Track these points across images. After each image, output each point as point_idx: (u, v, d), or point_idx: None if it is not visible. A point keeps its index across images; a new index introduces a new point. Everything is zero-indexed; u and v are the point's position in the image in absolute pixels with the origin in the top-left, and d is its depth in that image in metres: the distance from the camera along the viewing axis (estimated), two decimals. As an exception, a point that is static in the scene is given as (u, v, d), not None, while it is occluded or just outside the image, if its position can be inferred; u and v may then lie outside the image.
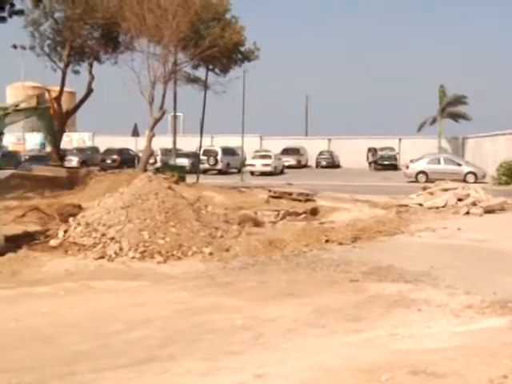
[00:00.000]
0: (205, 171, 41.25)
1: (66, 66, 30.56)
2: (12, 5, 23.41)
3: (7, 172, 29.03)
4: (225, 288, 9.70)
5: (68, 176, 24.87)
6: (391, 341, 7.04)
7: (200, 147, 34.67)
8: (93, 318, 7.89)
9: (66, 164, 43.22)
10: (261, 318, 7.93)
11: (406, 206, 21.24)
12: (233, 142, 48.31)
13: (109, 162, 46.04)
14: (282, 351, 6.70)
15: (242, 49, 31.11)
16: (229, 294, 9.23)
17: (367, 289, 9.70)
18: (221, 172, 45.56)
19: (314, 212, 18.64)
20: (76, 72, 31.98)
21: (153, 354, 6.51)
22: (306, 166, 58.86)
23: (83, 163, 48.22)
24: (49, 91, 35.46)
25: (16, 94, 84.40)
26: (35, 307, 8.26)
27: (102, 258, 11.56)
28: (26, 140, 60.22)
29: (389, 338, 7.17)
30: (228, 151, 48.06)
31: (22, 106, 13.30)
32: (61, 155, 15.42)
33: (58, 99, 31.09)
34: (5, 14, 23.42)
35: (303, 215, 17.89)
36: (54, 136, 14.83)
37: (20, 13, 24.51)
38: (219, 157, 46.65)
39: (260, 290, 9.59)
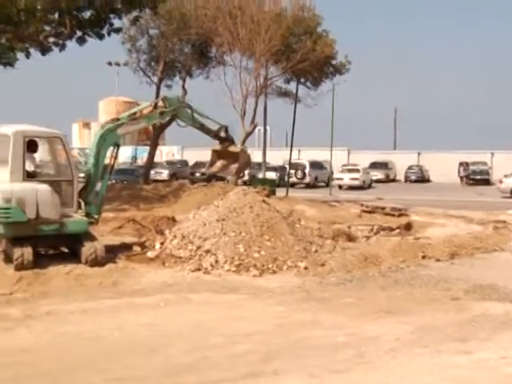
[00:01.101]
0: (292, 185, 41.24)
1: (160, 80, 31.39)
2: (111, 24, 24.18)
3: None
4: (322, 303, 9.56)
5: None
6: (503, 364, 6.72)
7: (289, 161, 34.67)
8: (193, 330, 7.93)
9: (156, 177, 44.36)
10: (362, 335, 7.76)
11: (504, 222, 20.45)
12: (320, 155, 48.11)
13: (198, 174, 46.70)
14: (386, 371, 6.52)
15: (334, 62, 31.03)
16: (327, 310, 9.09)
17: (470, 308, 9.34)
18: (308, 186, 45.40)
19: (408, 227, 18.23)
20: (169, 86, 32.80)
21: (257, 369, 6.46)
22: (394, 180, 57.90)
23: (173, 176, 49.13)
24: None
25: (108, 108, 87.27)
26: (137, 318, 8.39)
27: (198, 270, 11.66)
28: (120, 153, 61.83)
29: (500, 360, 6.85)
30: (316, 165, 47.90)
31: (138, 114, 13.54)
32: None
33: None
34: (104, 32, 24.20)
35: (397, 230, 17.51)
36: (208, 131, 15.11)
37: (118, 31, 25.29)
38: (307, 170, 46.53)
39: (358, 306, 9.40)
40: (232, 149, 16.01)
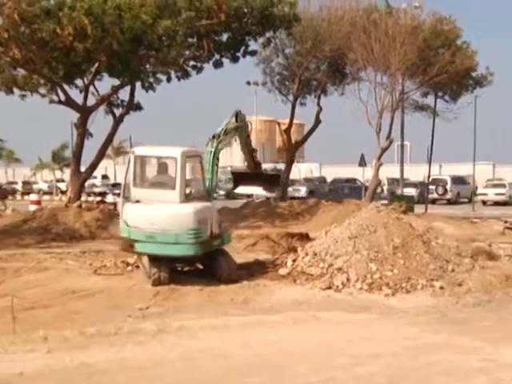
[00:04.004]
0: (433, 201, 40.05)
1: (295, 99, 31.67)
2: (246, 46, 24.80)
3: (240, 202, 30.57)
4: (458, 325, 9.12)
5: None
6: None
7: (428, 176, 33.68)
8: (320, 349, 7.82)
9: (294, 194, 44.60)
10: (500, 361, 7.29)
11: None
12: (463, 170, 46.37)
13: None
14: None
15: (474, 74, 29.91)
16: (462, 333, 8.65)
17: None
18: (450, 202, 43.83)
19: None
20: (303, 104, 33.01)
21: (382, 392, 6.26)
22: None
23: (311, 193, 49.21)
24: (279, 124, 36.92)
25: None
26: (264, 335, 8.41)
27: (330, 288, 11.52)
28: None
29: None
30: (458, 180, 46.15)
31: (229, 127, 13.83)
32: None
33: (287, 131, 32.34)
34: (238, 54, 24.87)
35: (544, 249, 16.41)
36: (250, 153, 15.28)
37: (253, 53, 25.88)
38: (448, 186, 44.95)
39: (498, 329, 8.88)
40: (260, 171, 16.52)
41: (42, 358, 7.27)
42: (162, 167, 13.06)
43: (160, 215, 11.86)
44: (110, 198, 35.04)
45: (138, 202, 12.17)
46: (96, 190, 53.55)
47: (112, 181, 65.80)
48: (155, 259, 11.86)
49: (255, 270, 13.45)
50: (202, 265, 13.01)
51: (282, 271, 12.87)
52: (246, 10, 22.78)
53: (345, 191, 42.97)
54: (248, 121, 14.32)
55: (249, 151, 15.39)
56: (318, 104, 32.25)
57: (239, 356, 7.47)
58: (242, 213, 26.43)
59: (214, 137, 13.42)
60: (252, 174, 16.03)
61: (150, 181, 13.05)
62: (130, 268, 13.52)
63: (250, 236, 18.80)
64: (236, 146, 15.24)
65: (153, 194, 12.36)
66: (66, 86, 24.44)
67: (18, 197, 57.50)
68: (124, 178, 12.97)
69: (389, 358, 7.38)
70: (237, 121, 14.03)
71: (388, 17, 28.32)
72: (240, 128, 14.21)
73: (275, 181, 17.39)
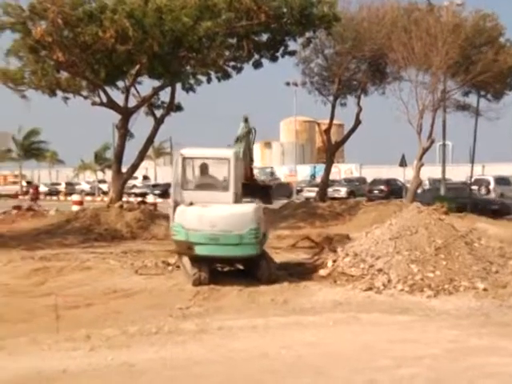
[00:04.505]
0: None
1: (335, 99, 31.57)
2: (286, 46, 24.78)
3: (280, 202, 30.58)
4: (502, 328, 8.96)
5: None
6: None
7: (471, 176, 33.19)
8: (361, 351, 7.76)
9: (334, 195, 44.46)
10: (545, 365, 7.13)
11: None
12: (506, 170, 45.60)
13: (376, 192, 46.12)
14: None
15: (518, 72, 29.40)
16: (507, 336, 8.49)
17: None
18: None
19: None
20: (343, 105, 32.88)
21: (423, 395, 6.17)
22: None
23: (351, 194, 48.97)
24: (318, 124, 36.86)
25: (288, 127, 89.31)
26: (305, 336, 8.38)
27: (370, 289, 11.43)
28: (298, 171, 62.96)
29: None
30: (502, 180, 45.34)
31: (243, 131, 13.76)
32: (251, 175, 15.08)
33: (327, 131, 32.25)
34: (278, 55, 24.86)
35: None
36: (250, 162, 14.91)
37: (292, 53, 25.85)
38: (491, 186, 44.20)
39: (543, 333, 8.69)
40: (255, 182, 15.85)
41: (85, 356, 7.37)
42: (204, 168, 13.11)
43: (221, 216, 11.81)
44: (150, 199, 35.33)
45: (191, 204, 12.11)
46: (137, 190, 54.11)
47: (152, 181, 66.54)
48: (196, 259, 11.93)
49: (295, 270, 13.44)
50: (242, 265, 13.04)
51: (322, 272, 12.82)
52: (285, 10, 22.75)
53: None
54: (252, 127, 14.03)
55: (250, 159, 14.99)
56: (358, 104, 32.10)
57: (280, 357, 7.45)
58: (282, 213, 26.46)
59: (237, 140, 13.46)
60: (245, 185, 15.29)
61: (198, 182, 13.05)
62: (170, 268, 13.64)
63: (290, 236, 18.83)
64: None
65: (203, 196, 12.34)
66: (107, 88, 24.76)
67: (61, 197, 58.57)
68: (173, 181, 12.98)
69: (431, 361, 7.28)
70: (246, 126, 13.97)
71: (429, 15, 28.00)
72: (250, 132, 14.09)
73: (267, 193, 16.58)
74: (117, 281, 12.45)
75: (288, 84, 41.51)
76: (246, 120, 13.72)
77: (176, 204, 12.42)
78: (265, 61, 24.79)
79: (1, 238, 20.56)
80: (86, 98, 25.64)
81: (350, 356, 7.56)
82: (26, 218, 27.62)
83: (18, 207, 31.54)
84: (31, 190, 37.37)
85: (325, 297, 11.05)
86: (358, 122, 32.45)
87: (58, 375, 6.72)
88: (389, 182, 48.20)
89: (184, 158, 12.77)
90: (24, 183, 64.80)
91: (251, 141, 14.11)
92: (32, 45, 21.19)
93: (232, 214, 11.96)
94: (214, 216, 11.78)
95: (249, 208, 12.18)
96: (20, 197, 39.75)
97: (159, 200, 41.72)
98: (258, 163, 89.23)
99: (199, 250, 11.76)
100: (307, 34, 25.22)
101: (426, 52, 26.53)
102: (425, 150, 28.59)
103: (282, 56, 24.80)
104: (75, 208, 28.49)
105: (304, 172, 67.90)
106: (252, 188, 14.71)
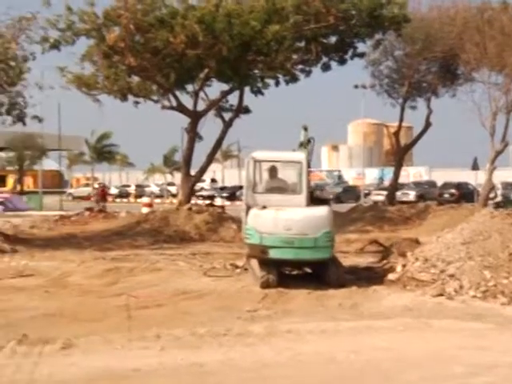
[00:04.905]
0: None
1: (405, 101, 31.13)
2: (354, 48, 24.61)
3: (347, 206, 30.34)
4: None
5: None
6: None
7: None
8: (432, 357, 7.60)
9: (403, 198, 43.78)
10: None
11: None
12: None
13: (446, 196, 45.24)
14: None
15: None
16: None
17: None
18: None
19: None
20: (413, 107, 32.39)
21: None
22: None
23: (420, 197, 48.16)
24: (387, 127, 36.43)
25: (356, 130, 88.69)
26: (374, 341, 8.27)
27: (441, 295, 11.18)
28: (366, 175, 62.46)
29: None
30: None
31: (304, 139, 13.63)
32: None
33: (396, 134, 31.83)
34: (346, 57, 24.71)
35: None
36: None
37: (361, 55, 25.64)
38: None
39: None
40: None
41: (156, 355, 7.49)
42: (273, 171, 13.13)
43: (296, 220, 11.78)
44: (218, 202, 35.70)
45: (264, 207, 12.11)
46: (204, 193, 54.73)
47: (220, 184, 67.19)
48: (265, 262, 11.94)
49: (363, 274, 13.32)
50: (310, 268, 13.00)
51: (391, 276, 12.62)
52: (354, 12, 22.60)
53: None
54: (311, 137, 13.88)
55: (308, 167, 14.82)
56: (428, 106, 31.55)
57: (349, 361, 7.38)
58: (351, 217, 26.26)
59: (301, 145, 13.42)
60: None
61: (269, 185, 13.08)
62: (238, 270, 13.71)
63: (358, 240, 18.67)
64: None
65: (275, 199, 12.35)
66: (177, 92, 25.18)
67: (131, 199, 59.82)
68: (245, 184, 13.03)
69: (506, 370, 7.06)
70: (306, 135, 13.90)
71: (503, 13, 27.25)
72: (310, 141, 13.98)
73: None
74: (186, 282, 12.60)
75: (356, 87, 41.30)
76: (306, 129, 13.71)
77: (248, 207, 12.46)
78: (333, 63, 24.69)
79: (74, 239, 21.17)
80: (156, 101, 26.17)
81: (420, 362, 7.42)
82: (97, 220, 28.42)
83: (90, 209, 32.44)
84: (97, 191, 38.28)
85: (394, 302, 10.88)
86: (428, 125, 31.89)
87: (130, 374, 6.85)
88: (460, 186, 47.19)
89: (255, 161, 12.81)
90: (96, 185, 66.58)
91: (310, 150, 14.08)
92: (105, 50, 21.80)
93: (307, 217, 11.93)
94: (288, 219, 11.75)
95: (323, 211, 12.14)
96: (92, 199, 41.01)
97: (227, 203, 42.08)
98: (325, 166, 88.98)
99: (273, 254, 11.74)
100: (376, 36, 24.99)
101: (500, 52, 25.85)
102: (498, 153, 27.88)
103: (351, 58, 24.66)
104: (145, 210, 29.06)
105: (372, 175, 67.26)
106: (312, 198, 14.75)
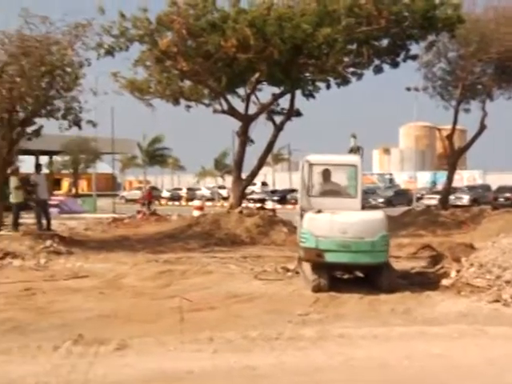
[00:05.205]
0: None
1: (458, 104, 30.62)
2: (407, 50, 24.33)
3: (399, 210, 29.99)
4: None
5: None
6: None
7: None
8: (488, 365, 7.45)
9: (456, 202, 43.09)
10: None
11: None
12: None
13: (502, 200, 44.27)
14: None
15: None
16: None
17: None
18: None
19: None
20: (467, 110, 31.84)
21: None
22: None
23: (474, 201, 47.31)
24: (439, 130, 35.88)
25: (408, 133, 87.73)
26: (428, 347, 8.15)
27: (497, 301, 10.94)
28: (418, 178, 61.67)
29: None
30: None
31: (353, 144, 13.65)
32: None
33: (449, 137, 31.32)
34: (399, 59, 24.44)
35: None
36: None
37: (414, 57, 25.32)
38: None
39: None
40: None
41: (209, 358, 7.54)
42: (327, 175, 13.10)
43: (352, 223, 11.71)
44: (269, 205, 35.70)
45: (320, 211, 12.06)
46: (255, 196, 54.89)
47: (271, 187, 67.32)
48: (317, 266, 11.90)
49: (416, 279, 13.12)
50: (362, 273, 12.90)
51: (445, 282, 12.42)
52: (406, 14, 22.34)
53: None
54: (360, 146, 13.90)
55: None
56: (483, 109, 30.95)
57: (402, 367, 7.30)
58: (403, 221, 25.94)
59: (351, 151, 13.42)
60: None
61: (323, 189, 13.06)
62: (289, 274, 13.70)
63: (411, 245, 18.42)
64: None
65: (330, 202, 12.33)
66: (228, 96, 25.32)
67: (183, 202, 60.46)
68: (299, 187, 13.05)
69: None
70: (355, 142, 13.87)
71: None
72: (359, 149, 13.97)
73: None
74: (237, 285, 12.65)
75: (409, 89, 40.65)
76: (355, 137, 13.73)
77: (303, 211, 12.45)
78: (385, 66, 24.46)
79: (127, 242, 21.48)
80: (207, 105, 26.37)
81: (476, 370, 7.29)
82: (149, 222, 28.79)
83: (139, 211, 32.91)
84: (144, 194, 38.75)
85: (448, 308, 10.70)
86: (482, 128, 31.30)
87: (184, 376, 6.92)
88: (516, 190, 46.14)
89: (310, 165, 12.80)
90: (145, 187, 67.52)
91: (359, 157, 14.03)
92: (158, 55, 22.08)
93: (363, 220, 11.86)
94: (345, 223, 11.67)
95: (379, 215, 12.07)
96: (139, 201, 41.70)
97: (278, 206, 42.07)
98: (376, 170, 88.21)
99: (329, 257, 11.68)
100: (429, 38, 24.65)
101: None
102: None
103: (404, 61, 24.35)
104: (196, 213, 29.30)
105: (424, 179, 66.44)
106: None
